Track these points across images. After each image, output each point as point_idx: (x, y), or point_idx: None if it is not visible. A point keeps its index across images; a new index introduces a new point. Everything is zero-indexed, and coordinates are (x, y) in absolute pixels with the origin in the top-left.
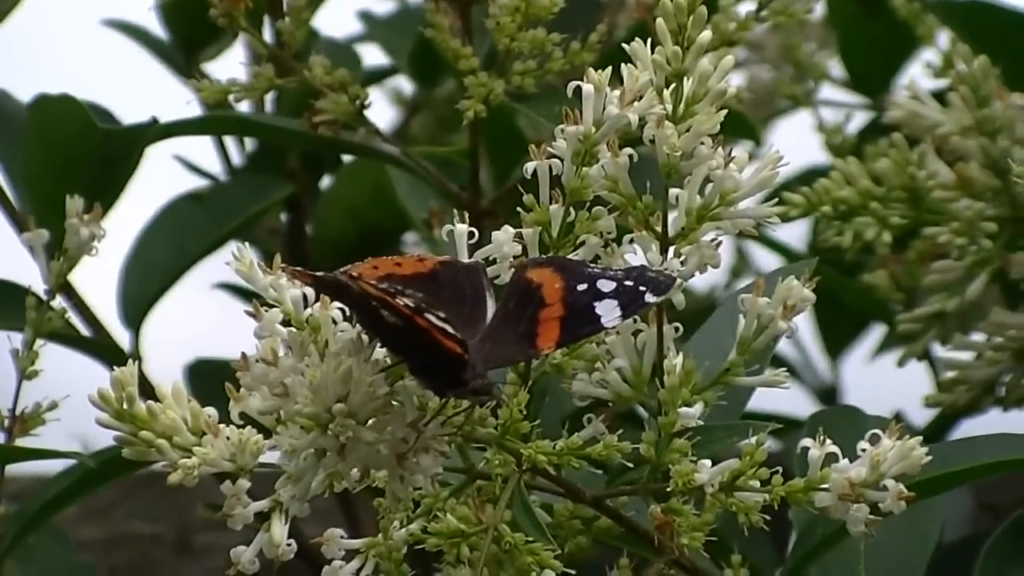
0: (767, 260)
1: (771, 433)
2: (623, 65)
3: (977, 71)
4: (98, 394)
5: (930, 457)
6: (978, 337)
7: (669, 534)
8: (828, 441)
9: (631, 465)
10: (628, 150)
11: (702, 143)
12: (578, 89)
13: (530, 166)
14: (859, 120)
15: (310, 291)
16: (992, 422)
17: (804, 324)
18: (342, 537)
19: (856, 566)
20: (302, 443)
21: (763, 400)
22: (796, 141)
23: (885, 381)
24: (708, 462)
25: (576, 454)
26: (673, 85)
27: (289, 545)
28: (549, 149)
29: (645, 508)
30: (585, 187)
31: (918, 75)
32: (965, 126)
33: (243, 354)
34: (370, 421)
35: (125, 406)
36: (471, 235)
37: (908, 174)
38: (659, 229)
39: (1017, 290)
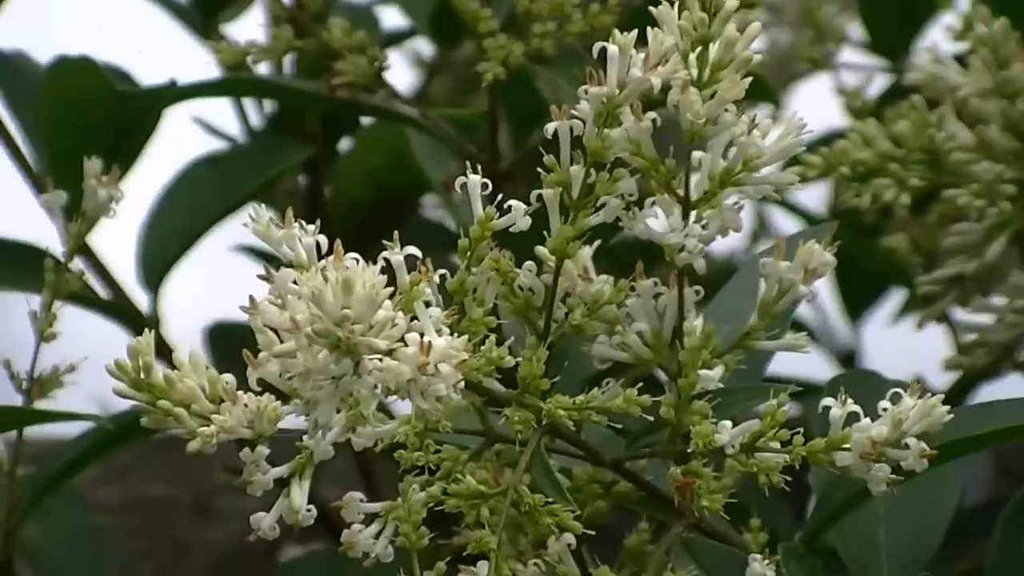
0: (787, 224)
1: (791, 398)
2: (648, 28)
3: (997, 34)
4: (115, 364)
5: (951, 416)
6: (998, 300)
7: (689, 496)
8: (849, 400)
9: (652, 420)
10: (651, 114)
11: (726, 110)
12: (602, 51)
13: (551, 126)
14: (879, 84)
15: (323, 239)
16: (1012, 386)
17: (824, 288)
18: (362, 500)
19: (875, 530)
20: (317, 365)
21: (783, 365)
22: (816, 105)
23: (905, 345)
24: (728, 423)
25: (596, 409)
26: (698, 50)
27: (309, 511)
28: (571, 111)
29: (664, 473)
30: (607, 148)
31: (939, 38)
32: (985, 89)
33: (251, 297)
34: (383, 332)
35: (142, 375)
36: (484, 187)
37: (927, 136)
38: (681, 193)
39: None
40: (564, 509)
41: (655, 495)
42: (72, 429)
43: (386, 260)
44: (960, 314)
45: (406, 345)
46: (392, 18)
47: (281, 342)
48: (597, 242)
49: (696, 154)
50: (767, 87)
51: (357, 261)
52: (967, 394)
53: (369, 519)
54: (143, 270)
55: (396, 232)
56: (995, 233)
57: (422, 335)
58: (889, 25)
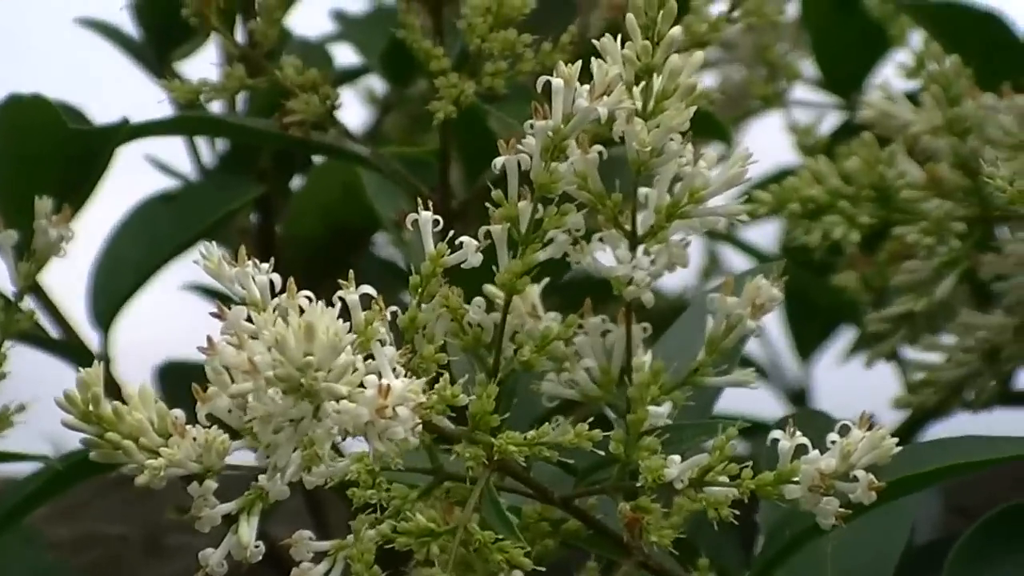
0: (738, 262)
1: (741, 435)
2: (593, 60)
3: (949, 71)
4: (64, 395)
5: (899, 448)
6: (947, 338)
7: (638, 532)
8: (798, 433)
9: (601, 456)
10: (598, 147)
11: (672, 139)
12: (548, 85)
13: (499, 161)
14: (832, 121)
15: (277, 278)
16: (961, 425)
17: (774, 326)
18: (311, 539)
19: (823, 569)
20: (277, 408)
21: (733, 402)
22: (768, 142)
23: (855, 383)
24: (677, 458)
25: (547, 444)
26: (643, 81)
27: (257, 547)
28: (518, 146)
29: (613, 511)
30: (554, 182)
31: (891, 75)
32: (936, 126)
33: (209, 338)
34: (344, 377)
35: (91, 407)
36: (435, 224)
37: (877, 173)
38: (628, 227)
39: (986, 291)
40: (514, 546)
41: (604, 533)
42: (25, 468)
43: (341, 299)
44: (910, 352)
45: (365, 388)
46: (345, 55)
47: (234, 381)
48: (546, 280)
49: (643, 189)
50: (718, 123)
51: (311, 300)
52: (916, 432)
53: (318, 557)
54: (94, 309)
55: (351, 271)
56: (945, 271)
57: (380, 377)
58: (842, 62)
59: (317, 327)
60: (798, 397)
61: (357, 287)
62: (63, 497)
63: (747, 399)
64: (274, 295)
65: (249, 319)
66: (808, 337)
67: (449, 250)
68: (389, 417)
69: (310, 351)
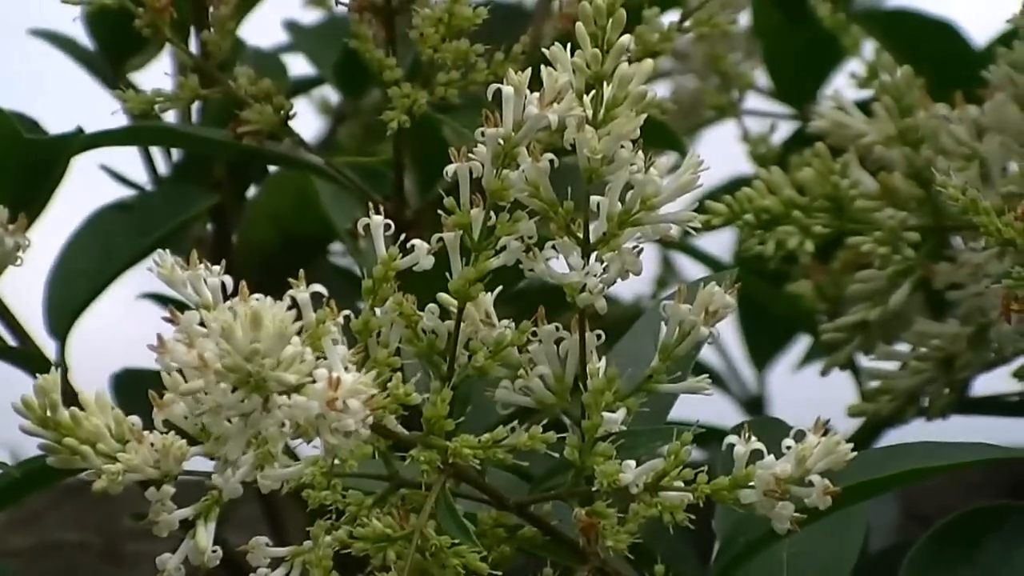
0: (693, 270)
1: (696, 443)
2: (543, 68)
3: (901, 81)
4: (22, 401)
5: (855, 454)
6: (902, 347)
7: (594, 537)
8: (753, 438)
9: (556, 462)
10: (549, 155)
11: (623, 147)
12: (498, 93)
13: (451, 168)
14: (785, 130)
15: (228, 280)
16: (916, 433)
17: (730, 335)
18: (268, 545)
19: (779, 575)
20: (226, 400)
21: (688, 410)
22: (722, 151)
23: (811, 392)
24: (632, 463)
25: (501, 446)
26: (593, 89)
27: (215, 552)
28: (470, 154)
29: (569, 517)
30: (505, 189)
31: (843, 86)
32: (889, 136)
33: (159, 336)
34: (292, 367)
35: (48, 413)
36: (387, 228)
37: (831, 183)
38: (580, 235)
39: (940, 300)
40: (470, 551)
41: (560, 539)
42: None
43: (292, 299)
44: (865, 361)
45: (314, 381)
46: (299, 66)
47: (188, 383)
48: (499, 288)
49: (595, 198)
50: (671, 134)
51: (259, 301)
52: (872, 440)
53: (275, 563)
54: (50, 318)
55: (301, 271)
56: (899, 280)
57: (330, 371)
58: (795, 73)
59: (264, 316)
60: (754, 406)
61: (309, 287)
62: (19, 506)
63: (703, 408)
64: (226, 299)
65: (202, 322)
66: (763, 346)
67: (401, 254)
68: (340, 410)
69: (256, 339)
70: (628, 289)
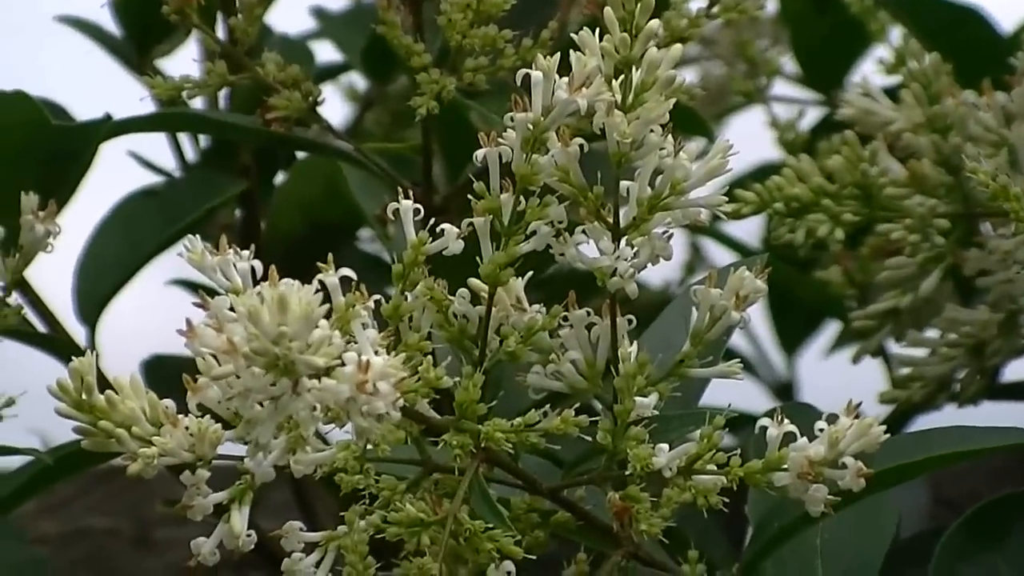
0: (721, 256)
1: (727, 428)
2: (571, 53)
3: (928, 68)
4: (57, 384)
5: (887, 436)
6: (932, 333)
7: (627, 521)
8: (786, 421)
9: (588, 447)
10: (578, 140)
11: (652, 131)
12: (527, 78)
13: (480, 153)
14: (812, 116)
15: (258, 265)
16: (947, 419)
17: (759, 321)
18: (301, 530)
19: (812, 561)
20: (256, 384)
21: (718, 396)
22: (749, 137)
23: (840, 377)
24: (665, 447)
25: (534, 430)
26: (622, 74)
27: (249, 536)
28: (499, 139)
29: (602, 502)
30: (535, 174)
31: (870, 72)
32: (917, 123)
33: (188, 321)
34: (320, 350)
35: (84, 396)
36: (417, 213)
37: (860, 171)
38: (610, 220)
39: (970, 286)
40: (504, 535)
41: (593, 523)
42: (11, 462)
43: (321, 283)
44: (895, 347)
45: (344, 364)
46: (327, 52)
47: (219, 367)
48: (529, 273)
49: (624, 183)
50: (699, 120)
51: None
52: (903, 426)
53: (309, 548)
54: (80, 304)
55: (330, 256)
56: (929, 267)
57: (360, 354)
58: (821, 59)
59: (290, 299)
60: (784, 392)
61: (337, 271)
62: (50, 492)
63: (733, 394)
64: (256, 284)
65: (231, 307)
66: (792, 333)
67: (431, 238)
68: (370, 393)
69: (283, 322)
70: (657, 275)
